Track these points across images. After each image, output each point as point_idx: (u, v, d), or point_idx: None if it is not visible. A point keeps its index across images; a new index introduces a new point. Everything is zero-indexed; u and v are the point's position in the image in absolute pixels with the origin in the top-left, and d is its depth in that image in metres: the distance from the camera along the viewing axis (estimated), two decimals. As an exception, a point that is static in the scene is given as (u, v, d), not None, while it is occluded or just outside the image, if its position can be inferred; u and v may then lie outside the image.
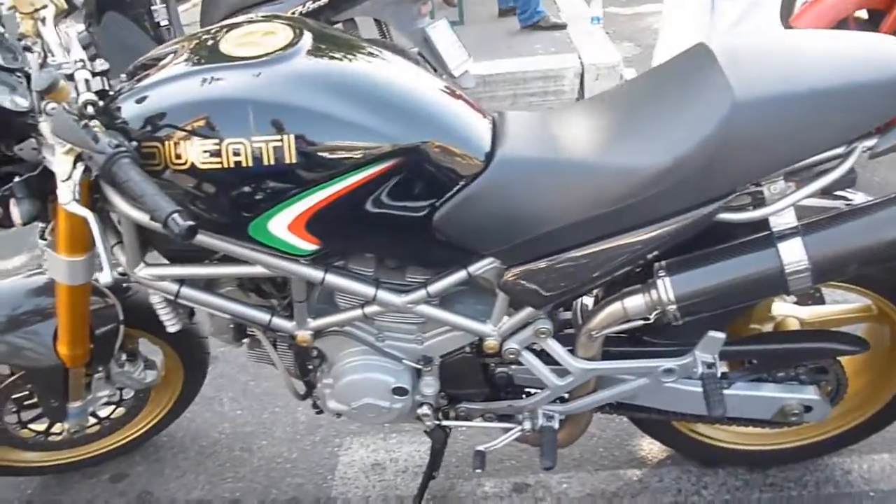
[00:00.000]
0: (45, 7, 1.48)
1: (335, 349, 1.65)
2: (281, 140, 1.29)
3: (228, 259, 1.49)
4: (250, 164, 1.30)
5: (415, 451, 2.12)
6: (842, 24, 2.88)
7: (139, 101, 1.34)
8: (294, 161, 1.30)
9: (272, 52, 1.34)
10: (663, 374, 1.56)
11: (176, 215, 1.17)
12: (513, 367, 1.65)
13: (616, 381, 1.61)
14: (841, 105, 1.30)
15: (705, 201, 1.36)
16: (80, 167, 1.27)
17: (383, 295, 1.51)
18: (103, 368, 1.84)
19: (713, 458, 1.95)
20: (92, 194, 1.41)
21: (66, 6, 1.52)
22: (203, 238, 1.42)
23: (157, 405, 2.11)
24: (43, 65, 1.42)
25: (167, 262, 1.56)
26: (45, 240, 1.57)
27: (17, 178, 1.41)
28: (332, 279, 1.49)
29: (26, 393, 1.89)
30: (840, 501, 1.85)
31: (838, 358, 1.67)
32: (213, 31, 1.46)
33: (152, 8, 3.60)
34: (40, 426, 1.98)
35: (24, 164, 1.43)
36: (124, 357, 1.87)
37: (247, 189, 1.32)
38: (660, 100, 1.44)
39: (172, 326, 1.68)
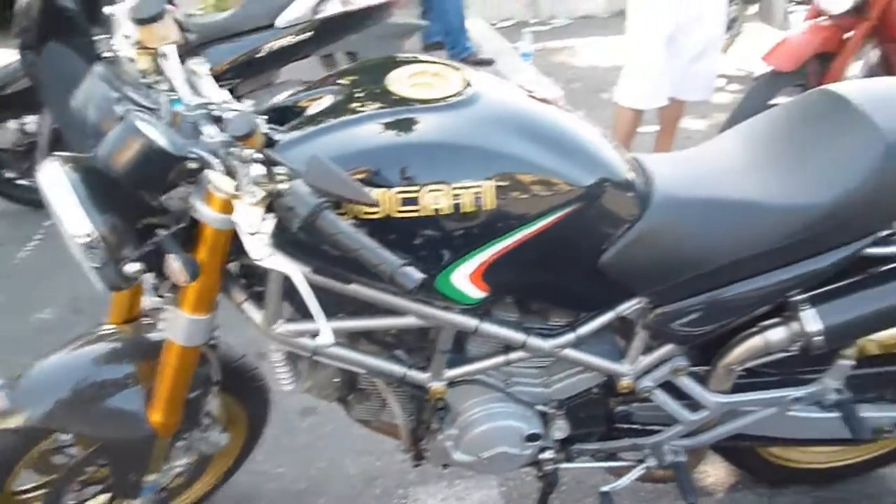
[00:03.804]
0: (170, 42, 1.35)
1: (462, 399, 1.59)
2: (481, 186, 1.25)
3: (367, 309, 1.42)
4: (450, 211, 1.24)
5: (486, 496, 2.07)
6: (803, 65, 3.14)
7: (308, 149, 1.25)
8: (492, 207, 1.26)
9: (456, 95, 1.30)
10: (792, 403, 1.62)
11: (406, 268, 1.10)
12: (634, 405, 1.66)
13: (742, 412, 1.65)
14: None
15: (857, 238, 1.44)
16: (271, 219, 1.16)
17: (532, 340, 1.48)
18: (188, 435, 1.68)
19: (785, 478, 2.04)
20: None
21: (185, 41, 1.40)
22: (360, 289, 1.35)
23: (217, 468, 1.94)
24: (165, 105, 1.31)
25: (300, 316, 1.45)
26: (162, 297, 1.42)
27: (162, 231, 1.27)
28: (486, 327, 1.44)
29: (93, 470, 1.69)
30: (904, 509, 1.99)
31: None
32: (364, 70, 1.40)
33: (94, 39, 3.36)
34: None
35: (166, 215, 1.30)
36: (207, 421, 1.71)
37: (442, 238, 1.26)
38: (798, 140, 1.51)
39: (288, 385, 1.56)
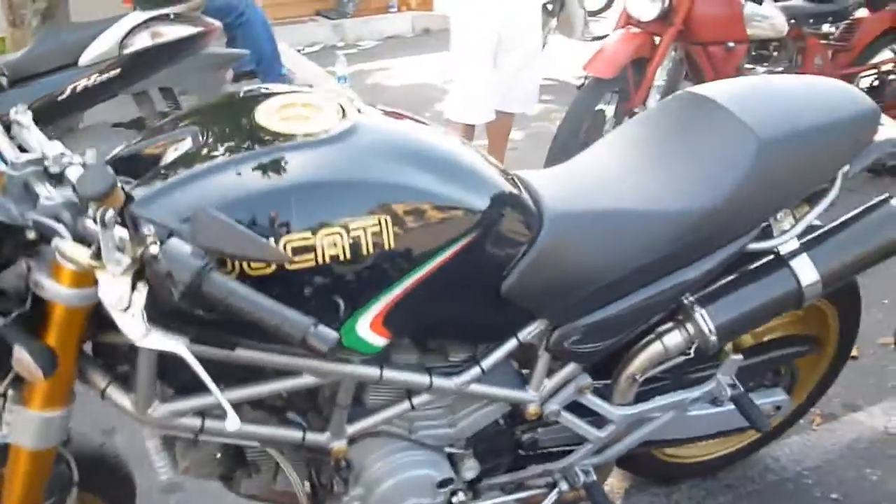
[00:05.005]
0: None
1: (364, 454, 1.45)
2: (378, 224, 1.13)
3: (252, 374, 1.26)
4: (349, 256, 1.11)
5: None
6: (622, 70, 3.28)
7: (179, 200, 1.08)
8: (392, 246, 1.15)
9: (335, 126, 1.17)
10: (691, 404, 1.63)
11: (319, 327, 0.96)
12: (539, 430, 1.60)
13: (645, 420, 1.64)
14: (834, 139, 1.49)
15: (741, 235, 1.47)
16: (142, 289, 0.98)
17: (438, 381, 1.38)
18: (45, 549, 1.41)
19: (676, 475, 2.07)
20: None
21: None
22: (247, 353, 1.19)
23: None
24: None
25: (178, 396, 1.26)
26: (3, 395, 1.18)
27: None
28: (390, 374, 1.32)
29: None
30: (785, 486, 2.07)
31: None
32: (223, 107, 1.23)
33: None
34: None
35: (5, 298, 1.07)
36: (66, 528, 1.45)
37: (342, 286, 1.13)
38: (673, 143, 1.51)
39: (165, 474, 1.35)
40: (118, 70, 2.82)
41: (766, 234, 1.53)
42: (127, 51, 2.82)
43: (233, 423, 0.96)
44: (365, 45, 7.01)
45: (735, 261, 1.52)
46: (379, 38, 7.14)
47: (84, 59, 2.80)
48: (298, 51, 6.54)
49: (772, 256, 1.54)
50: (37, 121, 1.20)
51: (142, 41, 2.83)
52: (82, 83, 2.78)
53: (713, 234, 1.44)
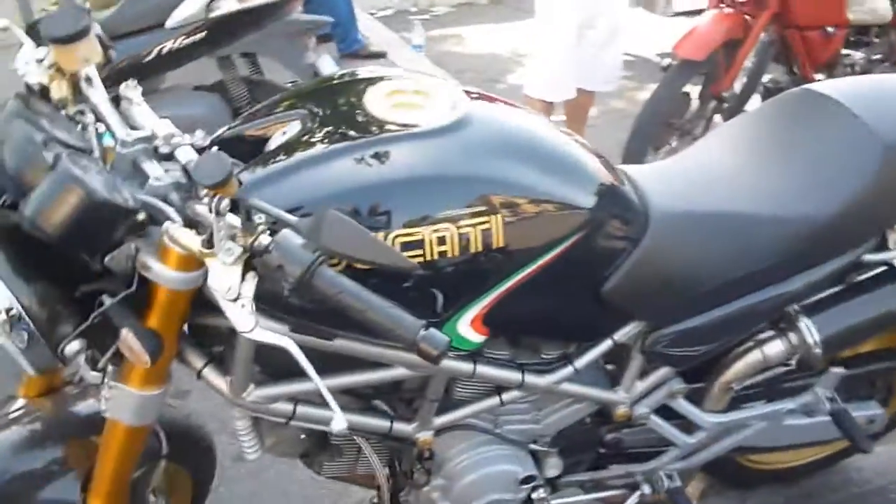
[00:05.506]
0: (92, 63, 1.12)
1: (449, 446, 1.44)
2: (489, 221, 1.09)
3: (346, 364, 1.24)
4: (456, 253, 1.08)
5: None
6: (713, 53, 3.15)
7: (288, 188, 1.05)
8: (501, 244, 1.11)
9: (447, 116, 1.13)
10: (787, 415, 1.57)
11: (431, 330, 0.93)
12: (624, 431, 1.56)
13: (737, 428, 1.58)
14: None
15: (856, 245, 1.39)
16: (251, 280, 0.96)
17: (529, 378, 1.34)
18: (131, 518, 1.43)
19: (755, 480, 2.00)
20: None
21: (108, 60, 1.16)
22: (346, 344, 1.17)
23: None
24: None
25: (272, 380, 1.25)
26: (99, 370, 1.18)
27: (106, 299, 1.04)
28: (483, 370, 1.29)
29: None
30: (869, 498, 2.00)
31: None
32: (330, 90, 1.20)
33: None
34: None
35: (110, 279, 1.06)
36: (151, 499, 1.47)
37: (447, 284, 1.10)
38: (789, 144, 1.44)
39: (254, 454, 1.35)
40: (204, 33, 2.82)
41: (882, 244, 1.45)
42: (213, 14, 2.81)
43: (339, 423, 0.94)
44: (437, 12, 6.90)
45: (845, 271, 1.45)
46: (452, 5, 7.02)
47: (171, 21, 2.80)
48: (371, 14, 6.48)
49: (885, 268, 1.46)
50: (119, 81, 1.18)
51: (228, 5, 2.82)
52: (168, 45, 2.78)
53: (828, 243, 1.37)
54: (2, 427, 1.33)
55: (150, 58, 2.80)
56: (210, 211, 0.93)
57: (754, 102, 3.51)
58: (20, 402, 1.37)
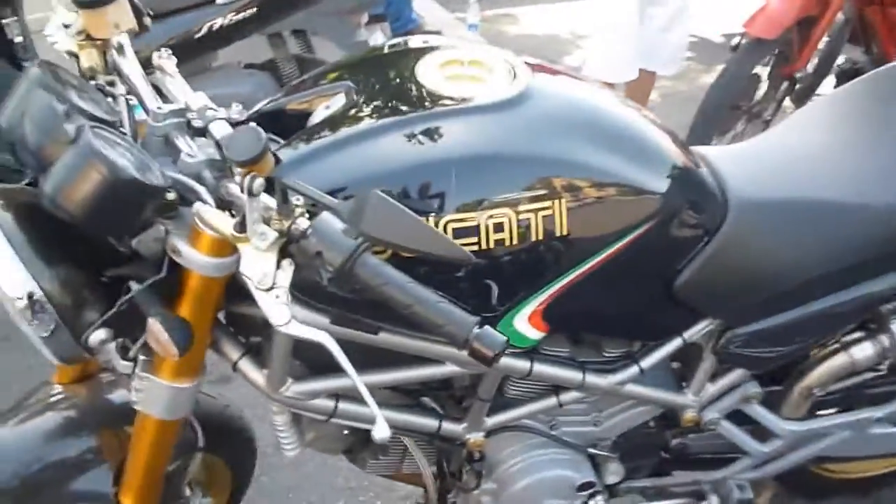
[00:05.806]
0: (125, 30, 1.03)
1: (501, 447, 1.34)
2: (551, 206, 0.98)
3: (390, 358, 1.14)
4: (515, 242, 0.97)
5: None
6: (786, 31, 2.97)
7: (332, 167, 0.96)
8: (564, 233, 1.00)
9: (507, 90, 1.02)
10: (873, 424, 1.43)
11: (486, 328, 0.83)
12: (691, 436, 1.44)
13: (817, 436, 1.45)
14: None
15: None
16: (288, 268, 0.87)
17: (591, 378, 1.23)
18: (166, 511, 1.37)
19: (830, 491, 1.86)
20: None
21: (142, 28, 1.08)
22: (390, 338, 1.07)
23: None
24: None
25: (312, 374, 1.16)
26: (131, 360, 1.11)
27: (134, 285, 0.96)
28: (540, 369, 1.19)
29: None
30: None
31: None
32: (377, 61, 1.10)
33: (3, 21, 2.92)
34: None
35: (138, 263, 0.98)
36: (188, 493, 1.41)
37: (505, 276, 1.00)
38: (881, 127, 1.30)
39: (292, 450, 1.27)
40: (255, 10, 2.75)
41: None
42: (264, -11, 2.74)
43: (381, 430, 0.85)
44: (493, -9, 6.76)
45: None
46: (506, -16, 6.86)
47: (222, -3, 2.74)
48: (424, -8, 6.37)
49: None
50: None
51: (279, -20, 2.75)
52: (219, 22, 2.72)
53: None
54: (35, 414, 1.28)
55: (200, 34, 2.74)
56: (242, 191, 0.84)
57: (828, 84, 3.32)
58: (55, 387, 1.32)
